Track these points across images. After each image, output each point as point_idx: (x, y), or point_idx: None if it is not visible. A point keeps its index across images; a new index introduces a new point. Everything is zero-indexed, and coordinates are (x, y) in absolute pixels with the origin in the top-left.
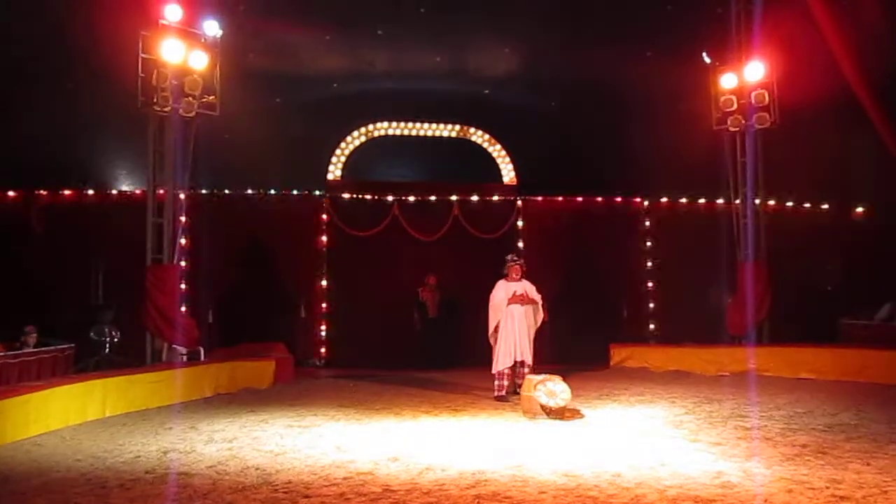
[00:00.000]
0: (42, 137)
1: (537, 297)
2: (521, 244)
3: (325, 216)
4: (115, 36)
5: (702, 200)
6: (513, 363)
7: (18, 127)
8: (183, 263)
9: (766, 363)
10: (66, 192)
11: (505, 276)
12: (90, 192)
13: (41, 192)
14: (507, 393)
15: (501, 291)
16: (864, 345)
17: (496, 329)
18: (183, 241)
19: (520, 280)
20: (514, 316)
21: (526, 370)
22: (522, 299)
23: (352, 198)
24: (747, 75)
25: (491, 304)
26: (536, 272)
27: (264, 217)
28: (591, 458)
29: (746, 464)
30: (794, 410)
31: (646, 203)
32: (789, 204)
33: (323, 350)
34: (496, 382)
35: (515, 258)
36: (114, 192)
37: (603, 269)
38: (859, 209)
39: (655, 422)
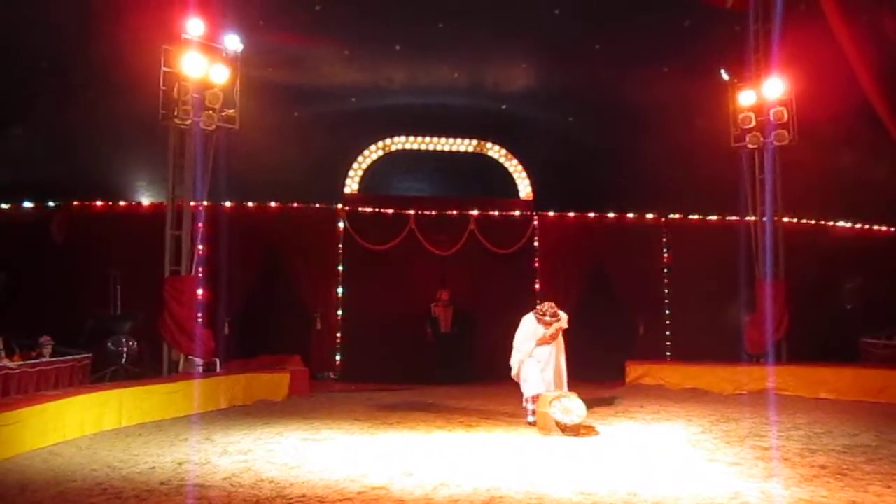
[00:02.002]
0: (63, 150)
1: (565, 324)
2: (536, 259)
3: (341, 229)
4: (137, 50)
5: (719, 217)
6: (545, 390)
7: (39, 139)
8: (200, 275)
9: (785, 382)
10: (86, 203)
11: (535, 312)
12: (110, 203)
13: (61, 203)
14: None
15: (530, 330)
16: (884, 365)
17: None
18: (201, 252)
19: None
20: (546, 347)
21: None
22: (553, 338)
23: (368, 211)
24: (766, 92)
25: (516, 341)
26: (552, 288)
27: (281, 230)
28: (607, 475)
29: (765, 484)
30: (812, 431)
31: (663, 219)
32: (808, 221)
33: (338, 362)
34: (530, 407)
35: (555, 314)
36: (133, 203)
37: (619, 286)
38: (879, 227)
39: (672, 440)
